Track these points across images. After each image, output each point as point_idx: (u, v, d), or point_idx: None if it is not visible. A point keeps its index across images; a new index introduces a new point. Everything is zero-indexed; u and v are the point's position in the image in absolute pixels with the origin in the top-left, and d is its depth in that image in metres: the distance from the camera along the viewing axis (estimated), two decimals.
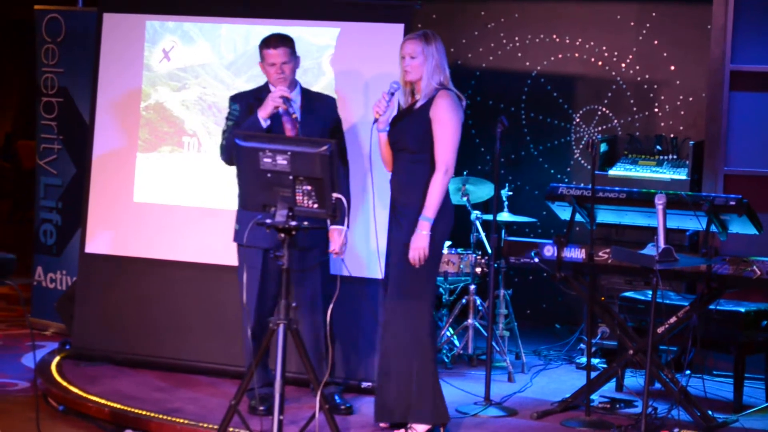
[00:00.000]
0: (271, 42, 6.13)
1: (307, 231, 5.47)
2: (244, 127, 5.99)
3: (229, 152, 6.08)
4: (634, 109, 8.93)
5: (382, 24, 6.84)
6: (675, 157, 8.09)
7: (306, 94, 6.27)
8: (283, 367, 5.19)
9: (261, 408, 6.03)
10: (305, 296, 6.15)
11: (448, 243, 7.57)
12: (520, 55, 9.27)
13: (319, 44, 6.87)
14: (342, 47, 6.89)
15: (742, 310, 6.65)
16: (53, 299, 8.06)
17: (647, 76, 8.90)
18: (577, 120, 9.12)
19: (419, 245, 5.65)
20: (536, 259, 6.54)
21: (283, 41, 6.13)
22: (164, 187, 7.23)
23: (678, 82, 8.79)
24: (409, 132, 5.76)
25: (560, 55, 9.14)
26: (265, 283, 6.11)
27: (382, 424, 5.92)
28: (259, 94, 6.17)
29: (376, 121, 5.80)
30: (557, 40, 9.14)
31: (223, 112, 7.10)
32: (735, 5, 7.46)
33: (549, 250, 6.48)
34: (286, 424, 5.35)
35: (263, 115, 5.99)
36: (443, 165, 5.69)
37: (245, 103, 6.18)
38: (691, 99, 8.74)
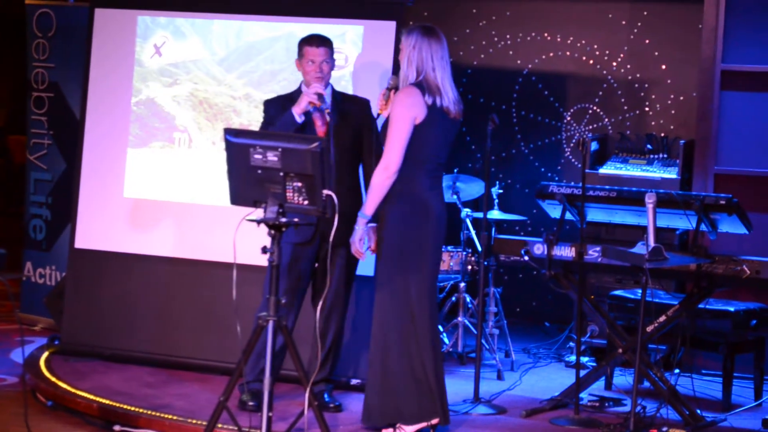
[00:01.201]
0: (314, 40, 6.14)
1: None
2: (279, 124, 6.02)
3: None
4: (625, 107, 8.94)
5: (374, 21, 6.84)
6: (665, 156, 8.10)
7: (337, 95, 6.26)
8: (273, 364, 5.19)
9: (251, 404, 6.03)
10: (330, 293, 6.15)
11: None
12: (511, 53, 9.28)
13: None
14: (334, 44, 6.88)
15: (732, 309, 6.66)
16: (42, 294, 8.05)
17: (638, 75, 8.91)
18: (568, 118, 9.13)
19: (351, 240, 5.66)
20: (526, 257, 6.54)
21: (325, 41, 6.15)
22: (155, 182, 7.22)
23: (669, 81, 8.81)
24: (382, 128, 5.75)
25: (551, 54, 9.15)
26: (289, 280, 6.09)
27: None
28: (293, 97, 6.17)
29: (378, 116, 5.81)
30: (549, 38, 9.15)
31: (214, 108, 7.12)
32: (726, 5, 7.47)
33: (539, 248, 6.48)
34: (275, 421, 5.35)
35: (297, 110, 6.01)
36: (383, 160, 5.59)
37: (279, 106, 6.16)
38: (682, 98, 8.76)
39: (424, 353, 5.70)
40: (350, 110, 6.22)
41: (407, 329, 5.68)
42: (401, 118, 5.58)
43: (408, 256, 5.66)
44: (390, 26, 6.78)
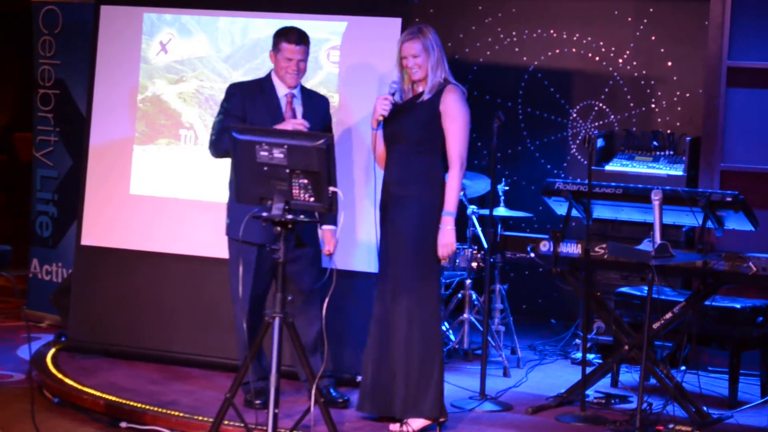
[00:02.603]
0: (293, 37, 6.09)
1: (303, 224, 5.45)
2: None
3: (217, 148, 6.10)
4: (631, 104, 8.93)
5: (379, 18, 6.83)
6: (672, 152, 8.09)
7: (305, 91, 6.27)
8: (279, 361, 5.19)
9: (257, 402, 6.03)
10: (300, 291, 6.15)
11: None
12: (517, 50, 9.27)
13: (316, 38, 6.84)
14: (339, 41, 6.89)
15: (738, 306, 6.66)
16: (49, 291, 8.06)
17: (644, 72, 8.90)
18: (574, 115, 9.12)
19: (447, 241, 5.71)
20: (532, 254, 6.54)
21: (304, 39, 6.11)
22: (161, 179, 7.22)
23: (675, 78, 8.79)
24: (413, 125, 5.74)
25: (557, 50, 9.15)
26: (258, 277, 6.11)
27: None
28: (262, 85, 6.16)
29: (379, 124, 5.81)
30: (554, 35, 9.14)
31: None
32: (732, 1, 7.46)
33: (545, 245, 6.48)
34: (282, 418, 5.34)
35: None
36: (458, 159, 5.73)
37: (243, 95, 6.14)
38: (688, 95, 8.75)
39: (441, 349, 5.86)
40: (316, 105, 6.24)
41: (441, 325, 5.90)
42: (466, 117, 5.78)
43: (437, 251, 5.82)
44: (395, 23, 6.77)
